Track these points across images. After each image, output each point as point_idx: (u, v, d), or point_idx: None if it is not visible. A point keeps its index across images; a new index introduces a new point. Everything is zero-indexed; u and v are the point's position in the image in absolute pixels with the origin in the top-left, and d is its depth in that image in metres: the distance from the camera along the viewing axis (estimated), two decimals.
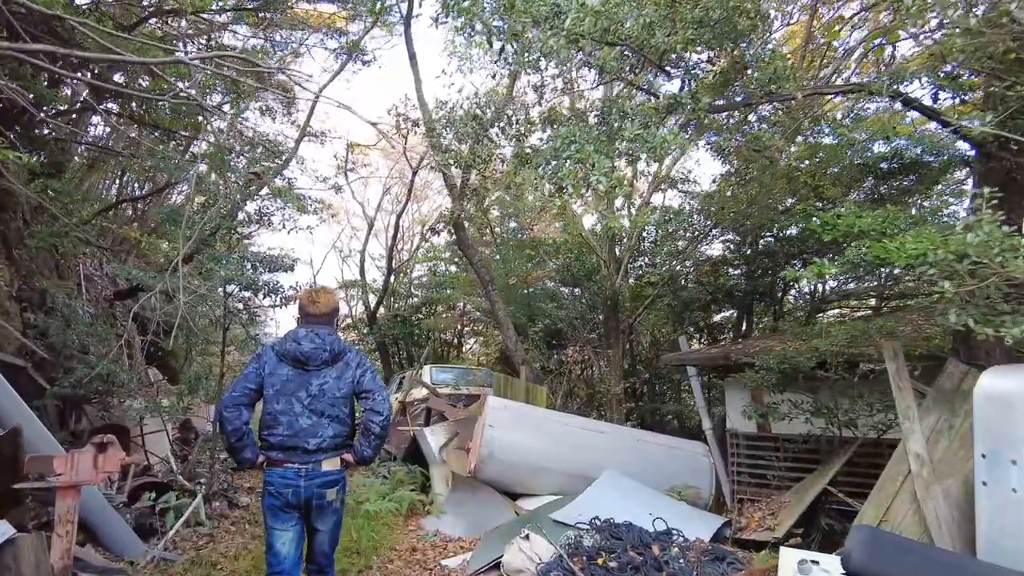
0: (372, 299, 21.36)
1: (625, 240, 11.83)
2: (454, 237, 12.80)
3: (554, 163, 3.15)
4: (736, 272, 12.41)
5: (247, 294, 6.12)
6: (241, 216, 6.62)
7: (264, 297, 6.02)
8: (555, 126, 4.23)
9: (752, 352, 7.94)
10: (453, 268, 21.10)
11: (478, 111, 4.91)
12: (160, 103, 9.48)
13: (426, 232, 11.88)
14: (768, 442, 8.22)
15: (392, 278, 20.98)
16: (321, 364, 3.13)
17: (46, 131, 9.00)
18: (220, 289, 5.76)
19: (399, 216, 20.11)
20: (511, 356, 10.44)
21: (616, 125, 3.16)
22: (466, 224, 11.12)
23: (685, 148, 3.01)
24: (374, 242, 26.07)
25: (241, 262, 5.83)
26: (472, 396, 12.34)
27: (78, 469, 3.98)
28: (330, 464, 3.09)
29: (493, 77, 5.32)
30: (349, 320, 23.04)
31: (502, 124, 4.74)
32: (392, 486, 7.38)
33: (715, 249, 12.04)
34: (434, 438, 7.86)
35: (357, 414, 3.34)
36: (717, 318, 14.33)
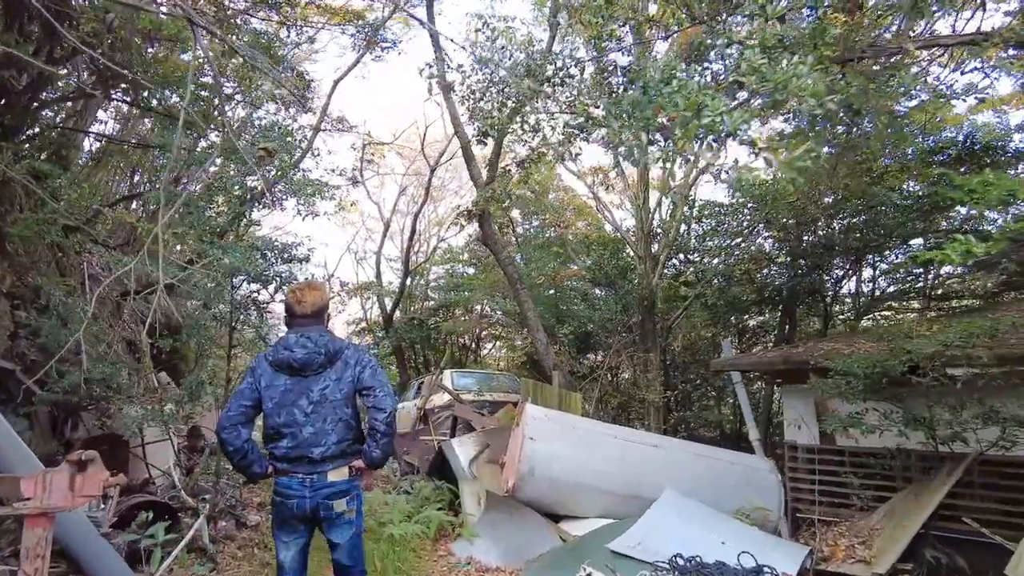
0: (388, 302, 20.76)
1: (661, 235, 11.05)
2: (478, 231, 12.04)
3: (648, 106, 2.43)
4: (775, 271, 11.62)
5: (256, 287, 5.40)
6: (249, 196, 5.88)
7: (276, 291, 5.31)
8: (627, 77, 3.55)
9: (818, 355, 7.14)
10: (471, 270, 20.45)
11: (532, 63, 4.19)
12: (174, 97, 8.88)
13: (457, 217, 11.12)
14: (832, 455, 7.40)
15: (408, 280, 20.36)
16: (319, 368, 2.97)
17: (56, 119, 8.43)
18: (225, 282, 5.06)
19: (416, 216, 19.53)
20: (541, 360, 9.69)
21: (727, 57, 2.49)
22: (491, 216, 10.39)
23: (814, 92, 2.27)
24: (390, 245, 25.50)
25: (250, 251, 5.15)
26: (497, 403, 11.60)
27: (51, 492, 3.28)
28: (337, 474, 2.94)
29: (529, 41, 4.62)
30: (364, 324, 22.45)
31: (560, 77, 4.02)
32: (417, 504, 6.65)
33: (757, 245, 11.20)
34: (462, 451, 7.12)
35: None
36: (753, 321, 13.50)
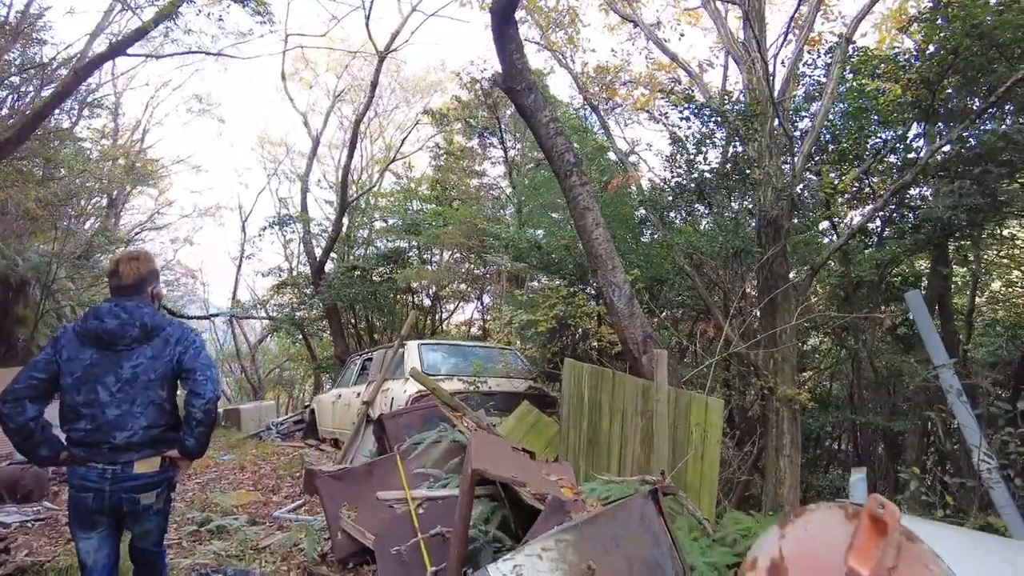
0: (319, 251, 15.37)
1: (788, 107, 6.33)
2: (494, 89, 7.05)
3: None
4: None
5: None
6: None
7: None
8: None
9: None
10: (433, 205, 15.25)
11: None
12: None
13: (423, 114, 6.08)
14: None
15: (346, 217, 15.05)
16: (132, 342, 2.55)
17: None
18: None
19: (357, 124, 14.08)
20: (622, 330, 4.85)
21: None
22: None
23: None
24: (324, 178, 20.04)
25: None
26: (505, 394, 6.78)
27: None
28: (146, 465, 2.53)
29: None
30: (286, 276, 16.97)
31: None
32: None
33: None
34: None
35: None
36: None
